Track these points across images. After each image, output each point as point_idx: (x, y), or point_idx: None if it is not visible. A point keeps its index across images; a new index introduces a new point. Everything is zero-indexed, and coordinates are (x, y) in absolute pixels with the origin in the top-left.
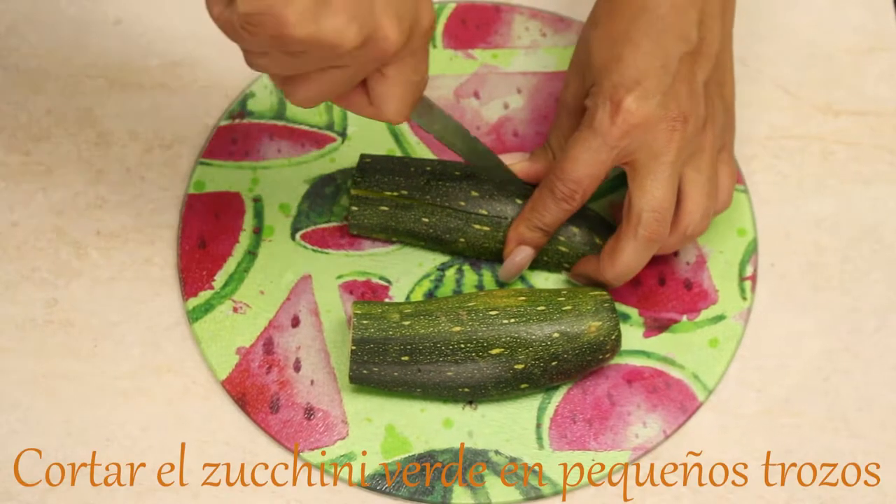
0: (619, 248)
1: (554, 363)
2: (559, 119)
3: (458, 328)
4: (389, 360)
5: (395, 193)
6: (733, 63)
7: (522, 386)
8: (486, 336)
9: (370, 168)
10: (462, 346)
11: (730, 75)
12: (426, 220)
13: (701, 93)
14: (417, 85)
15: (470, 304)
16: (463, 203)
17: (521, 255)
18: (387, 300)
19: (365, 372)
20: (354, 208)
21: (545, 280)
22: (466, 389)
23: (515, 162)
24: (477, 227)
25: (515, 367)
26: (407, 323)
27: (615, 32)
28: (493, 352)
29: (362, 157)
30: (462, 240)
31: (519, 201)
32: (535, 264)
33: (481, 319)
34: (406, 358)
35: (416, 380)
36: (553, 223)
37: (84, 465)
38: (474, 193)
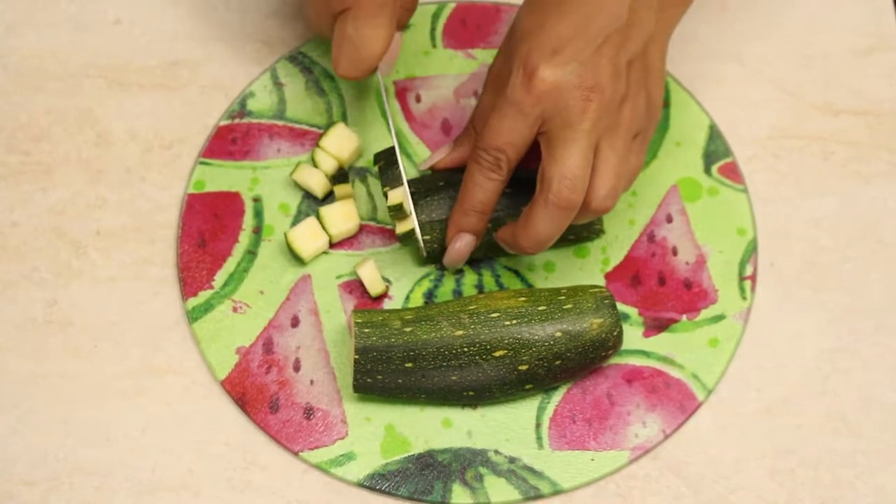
0: (532, 215)
1: (557, 362)
2: (483, 93)
3: (460, 332)
4: (393, 367)
5: None
6: (664, 64)
7: (527, 387)
8: (488, 339)
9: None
10: (465, 349)
11: (657, 69)
12: (427, 237)
13: (623, 72)
14: (359, 43)
15: (471, 308)
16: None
17: (460, 242)
18: (387, 300)
19: (369, 381)
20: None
21: (545, 280)
22: (471, 393)
23: (444, 154)
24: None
25: (519, 368)
26: (409, 329)
27: (546, 2)
28: (497, 354)
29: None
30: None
31: (508, 190)
32: (563, 242)
33: (483, 322)
34: (410, 364)
35: (420, 386)
36: (486, 200)
37: (84, 465)
38: (425, 200)
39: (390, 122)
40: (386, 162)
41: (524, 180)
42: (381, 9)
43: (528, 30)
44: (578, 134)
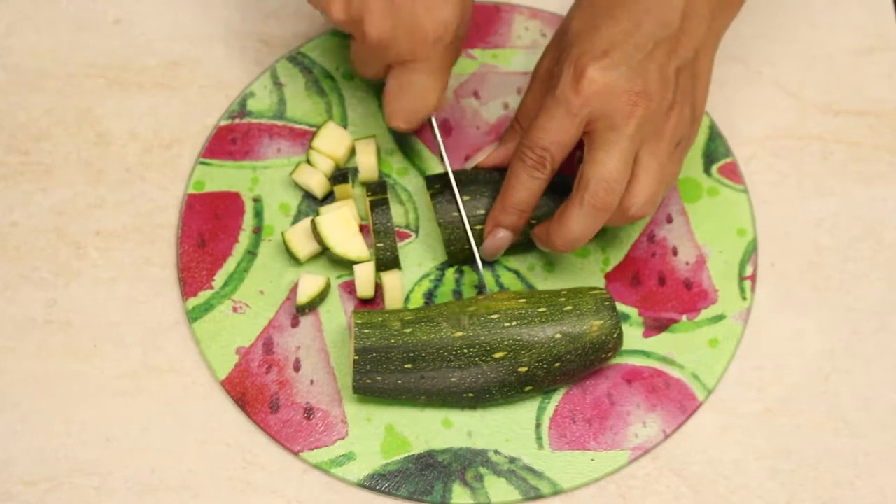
0: (567, 215)
1: (557, 364)
2: (528, 91)
3: (459, 333)
4: (392, 368)
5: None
6: (711, 72)
7: (527, 388)
8: (488, 340)
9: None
10: (465, 350)
11: (704, 78)
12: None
13: (672, 79)
14: (418, 95)
15: (471, 309)
16: (456, 213)
17: (498, 235)
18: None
19: (368, 381)
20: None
21: (544, 280)
22: (471, 394)
23: (489, 153)
24: (479, 227)
25: (519, 369)
26: (408, 330)
27: (598, 5)
28: (497, 355)
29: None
30: (466, 246)
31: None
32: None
33: (483, 323)
34: (409, 365)
35: (419, 387)
36: (527, 199)
37: (84, 465)
38: (465, 198)
39: (446, 161)
40: (441, 187)
41: (554, 183)
42: (443, 61)
43: (579, 32)
44: (621, 138)
